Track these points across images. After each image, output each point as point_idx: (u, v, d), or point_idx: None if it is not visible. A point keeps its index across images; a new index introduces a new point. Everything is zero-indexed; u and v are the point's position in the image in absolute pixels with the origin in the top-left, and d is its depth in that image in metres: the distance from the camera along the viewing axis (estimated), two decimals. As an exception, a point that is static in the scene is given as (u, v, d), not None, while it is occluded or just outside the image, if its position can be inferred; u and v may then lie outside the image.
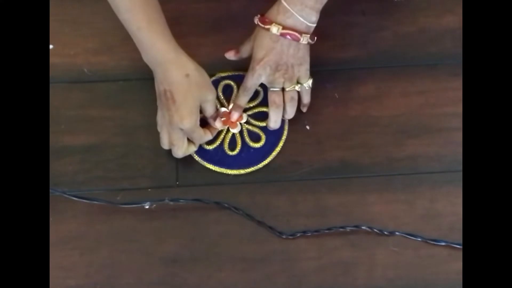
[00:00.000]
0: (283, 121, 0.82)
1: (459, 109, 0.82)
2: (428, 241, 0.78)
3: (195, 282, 0.76)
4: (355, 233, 0.78)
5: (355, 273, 0.77)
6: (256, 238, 0.78)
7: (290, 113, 0.82)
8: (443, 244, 0.78)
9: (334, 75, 0.81)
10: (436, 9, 0.89)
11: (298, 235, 0.78)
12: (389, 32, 0.88)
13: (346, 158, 0.82)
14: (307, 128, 0.82)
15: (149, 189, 0.80)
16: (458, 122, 0.82)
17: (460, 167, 0.78)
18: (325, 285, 0.76)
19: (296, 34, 0.77)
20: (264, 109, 0.82)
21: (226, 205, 0.79)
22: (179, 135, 0.77)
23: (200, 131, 0.79)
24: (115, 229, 0.78)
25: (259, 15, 0.79)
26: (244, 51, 0.82)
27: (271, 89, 0.81)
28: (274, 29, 0.77)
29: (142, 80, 0.84)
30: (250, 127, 0.82)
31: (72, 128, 0.82)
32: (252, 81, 0.80)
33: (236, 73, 0.85)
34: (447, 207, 0.80)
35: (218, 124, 0.81)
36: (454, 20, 0.88)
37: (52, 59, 0.84)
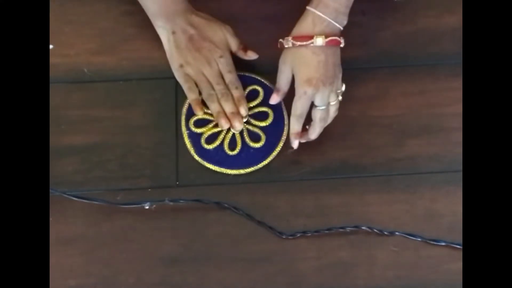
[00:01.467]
0: (283, 121, 0.82)
1: (459, 109, 0.82)
2: (428, 241, 0.78)
3: (195, 282, 0.76)
4: (355, 233, 0.78)
5: (355, 273, 0.77)
6: (256, 238, 0.78)
7: (329, 121, 0.80)
8: (443, 244, 0.78)
9: (334, 75, 0.81)
10: (436, 9, 0.89)
11: (298, 235, 0.78)
12: (389, 32, 0.88)
13: (346, 158, 0.82)
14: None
15: (149, 189, 0.80)
16: (458, 122, 0.82)
17: (460, 167, 0.78)
18: (325, 285, 0.76)
19: (338, 39, 0.76)
20: (264, 109, 0.82)
21: (226, 205, 0.79)
22: (217, 67, 0.81)
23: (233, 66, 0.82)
24: (115, 229, 0.78)
25: (289, 37, 0.76)
26: (283, 83, 0.79)
27: (320, 107, 0.77)
28: (319, 41, 0.74)
29: (142, 80, 0.84)
30: (250, 127, 0.82)
31: (72, 128, 0.82)
32: (306, 105, 0.77)
33: (239, 73, 0.84)
34: (447, 207, 0.80)
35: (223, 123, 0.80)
36: (454, 20, 0.88)
37: (52, 59, 0.84)
